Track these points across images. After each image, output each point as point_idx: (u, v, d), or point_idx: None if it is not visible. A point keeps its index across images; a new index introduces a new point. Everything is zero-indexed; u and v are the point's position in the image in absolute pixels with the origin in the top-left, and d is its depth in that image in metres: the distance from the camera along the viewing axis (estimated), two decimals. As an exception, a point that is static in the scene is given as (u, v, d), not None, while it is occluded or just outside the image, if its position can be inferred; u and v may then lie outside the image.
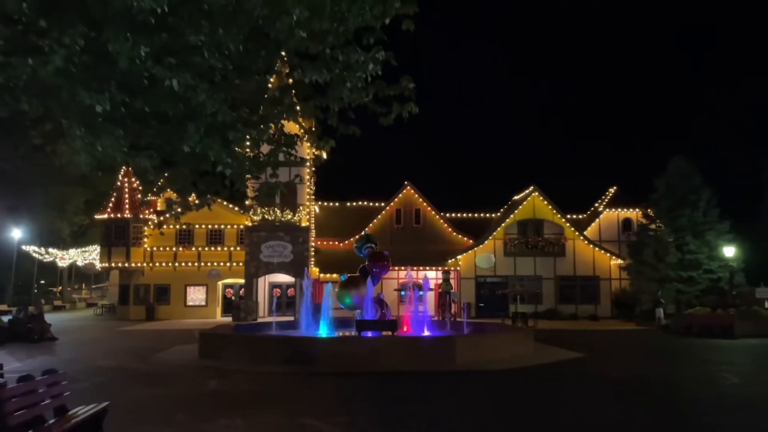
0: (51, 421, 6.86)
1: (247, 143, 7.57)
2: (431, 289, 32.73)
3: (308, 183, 36.81)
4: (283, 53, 6.75)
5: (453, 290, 33.43)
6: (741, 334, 24.71)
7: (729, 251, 32.42)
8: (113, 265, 38.54)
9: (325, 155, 7.80)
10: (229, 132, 6.27)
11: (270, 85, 7.75)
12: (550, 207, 39.75)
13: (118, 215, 37.59)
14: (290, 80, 7.25)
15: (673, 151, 51.45)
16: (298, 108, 7.30)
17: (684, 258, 33.49)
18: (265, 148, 8.32)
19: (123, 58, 5.21)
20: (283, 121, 7.68)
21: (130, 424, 8.81)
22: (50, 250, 53.05)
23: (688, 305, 31.55)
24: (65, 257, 54.72)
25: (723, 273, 32.95)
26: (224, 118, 5.96)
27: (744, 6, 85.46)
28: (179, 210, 9.40)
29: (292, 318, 30.35)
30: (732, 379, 14.31)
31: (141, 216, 37.92)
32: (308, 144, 10.46)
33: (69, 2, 5.25)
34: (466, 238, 41.21)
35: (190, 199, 9.36)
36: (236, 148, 6.92)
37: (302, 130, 7.83)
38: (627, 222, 41.58)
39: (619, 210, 41.83)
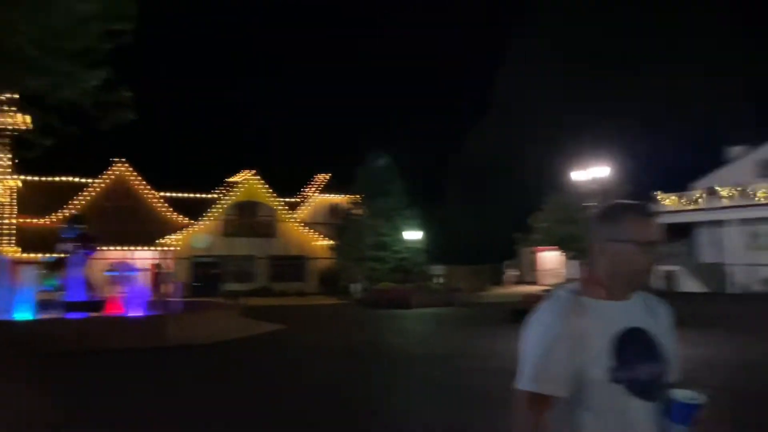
0: None
1: None
2: (146, 270, 32.70)
3: (4, 156, 33.39)
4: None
5: (168, 270, 33.78)
6: (416, 305, 29.62)
7: (413, 234, 38.12)
8: None
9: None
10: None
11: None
12: (265, 190, 42.02)
13: None
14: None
15: (379, 143, 57.61)
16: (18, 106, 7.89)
17: (378, 240, 38.40)
18: None
19: None
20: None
21: None
22: None
23: (380, 281, 36.44)
24: None
25: (408, 254, 38.60)
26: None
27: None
28: None
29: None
30: (398, 339, 17.90)
31: None
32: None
33: None
34: (183, 218, 41.39)
35: None
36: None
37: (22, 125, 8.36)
38: (335, 206, 45.85)
39: (330, 195, 45.90)
